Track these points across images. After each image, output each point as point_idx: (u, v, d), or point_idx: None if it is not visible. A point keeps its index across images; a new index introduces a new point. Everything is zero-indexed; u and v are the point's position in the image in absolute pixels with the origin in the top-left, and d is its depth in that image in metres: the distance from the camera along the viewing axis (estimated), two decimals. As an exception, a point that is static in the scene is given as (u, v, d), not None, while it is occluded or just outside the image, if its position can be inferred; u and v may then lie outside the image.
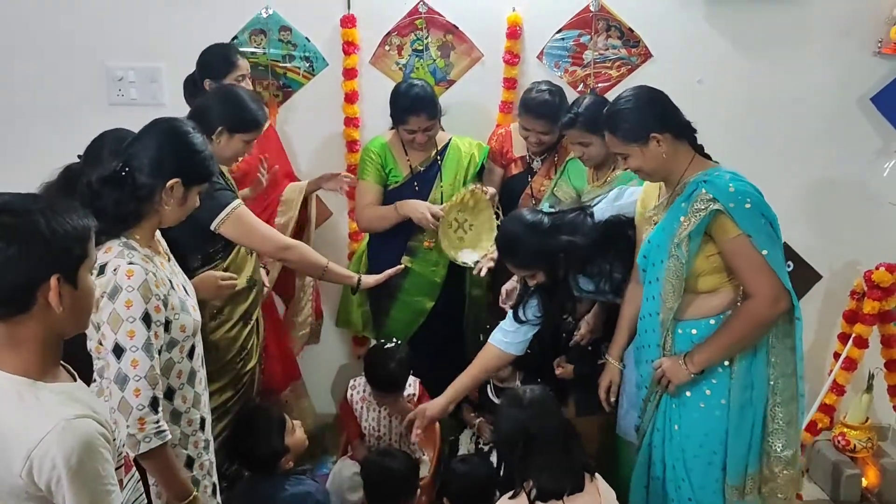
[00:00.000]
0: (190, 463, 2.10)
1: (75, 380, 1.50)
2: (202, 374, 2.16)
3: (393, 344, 2.98)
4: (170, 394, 2.03)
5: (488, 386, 3.07)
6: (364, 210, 3.15)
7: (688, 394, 2.30)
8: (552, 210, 2.69)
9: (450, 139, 3.19)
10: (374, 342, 3.28)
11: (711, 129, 3.37)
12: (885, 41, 3.26)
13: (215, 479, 2.23)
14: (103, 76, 3.40)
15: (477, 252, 3.08)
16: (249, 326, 2.79)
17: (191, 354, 2.07)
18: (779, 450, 2.28)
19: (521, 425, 2.19)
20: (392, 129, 3.12)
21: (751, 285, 2.18)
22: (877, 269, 3.09)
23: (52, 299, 1.38)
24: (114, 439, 1.46)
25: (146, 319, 1.89)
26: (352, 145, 3.44)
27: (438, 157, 3.14)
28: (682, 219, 2.20)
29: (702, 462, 2.32)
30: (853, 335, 3.16)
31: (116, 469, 1.46)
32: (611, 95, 3.37)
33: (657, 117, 2.25)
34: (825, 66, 3.36)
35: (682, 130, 2.28)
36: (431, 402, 2.80)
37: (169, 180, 1.96)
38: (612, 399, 2.61)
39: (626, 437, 2.65)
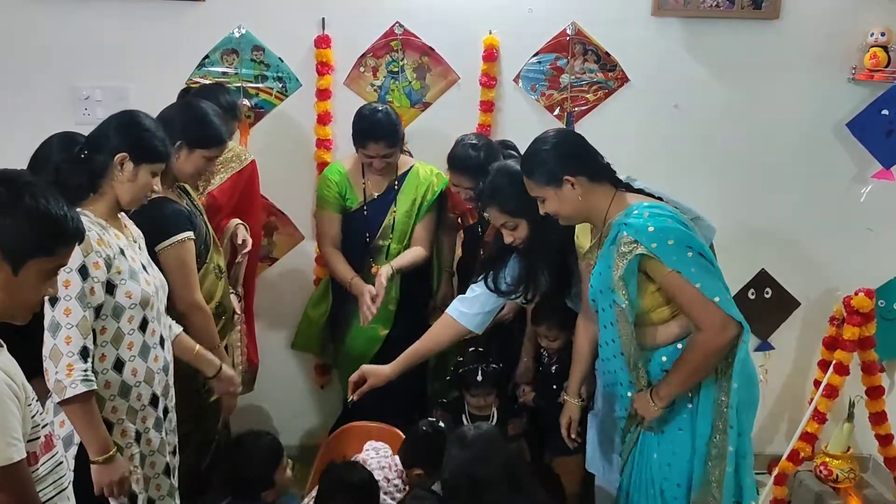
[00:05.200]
0: (137, 438, 2.14)
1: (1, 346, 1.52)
2: (161, 354, 2.20)
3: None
4: (119, 365, 2.08)
5: (463, 415, 2.97)
6: (325, 248, 3.15)
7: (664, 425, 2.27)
8: None
9: (411, 166, 3.14)
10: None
11: (687, 153, 3.43)
12: (858, 68, 3.28)
13: (169, 459, 2.25)
14: (69, 95, 3.30)
15: None
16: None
17: (143, 327, 2.12)
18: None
19: (464, 467, 2.10)
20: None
21: (694, 318, 2.15)
22: (856, 294, 3.05)
23: None
24: (28, 405, 1.49)
25: (82, 272, 1.96)
26: (323, 167, 3.36)
27: (396, 184, 3.08)
28: (611, 264, 2.16)
29: (671, 485, 2.29)
30: (834, 362, 3.10)
31: (31, 441, 1.49)
32: (587, 120, 3.40)
33: (571, 159, 2.21)
34: (801, 93, 3.37)
35: (599, 171, 2.24)
36: (377, 368, 2.69)
37: (117, 154, 2.07)
38: (573, 436, 2.55)
39: (596, 472, 2.61)
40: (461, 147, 2.90)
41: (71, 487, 1.66)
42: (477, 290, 2.65)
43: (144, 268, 2.17)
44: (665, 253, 2.08)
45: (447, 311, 2.70)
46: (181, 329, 2.40)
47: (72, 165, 2.08)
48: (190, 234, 2.46)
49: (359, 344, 3.15)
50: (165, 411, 2.24)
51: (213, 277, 2.66)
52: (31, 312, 1.53)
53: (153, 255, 2.42)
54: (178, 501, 2.31)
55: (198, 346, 2.42)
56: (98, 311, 2.02)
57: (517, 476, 2.12)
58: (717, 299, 2.10)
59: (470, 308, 2.65)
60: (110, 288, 2.04)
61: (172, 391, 2.29)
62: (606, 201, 2.22)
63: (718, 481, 2.21)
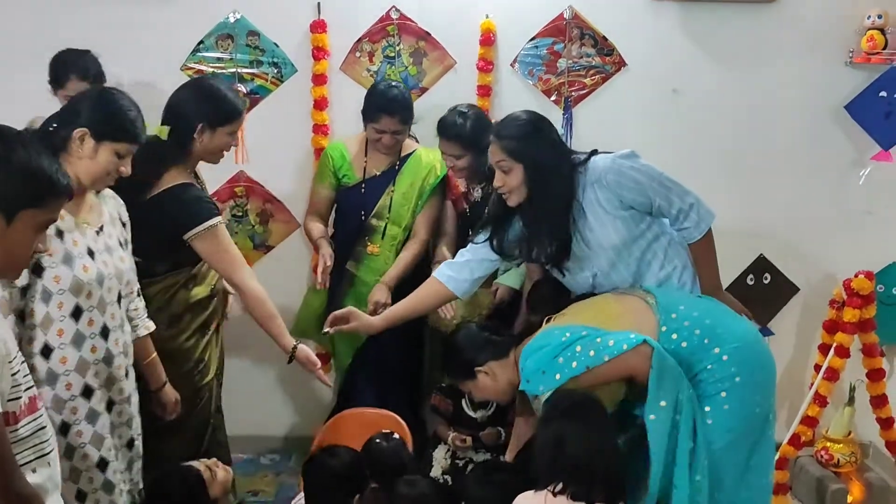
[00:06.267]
0: (65, 429, 2.07)
1: None
2: (103, 345, 2.12)
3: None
4: (47, 351, 2.02)
5: (463, 399, 2.94)
6: (307, 217, 3.19)
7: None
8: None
9: (414, 150, 3.13)
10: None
11: (685, 138, 3.41)
12: (856, 51, 3.28)
13: (104, 453, 2.16)
14: (62, 82, 3.27)
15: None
16: (207, 337, 2.68)
17: (76, 316, 2.05)
18: None
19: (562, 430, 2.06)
20: (361, 131, 3.06)
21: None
22: (856, 276, 3.04)
23: None
24: (9, 362, 1.48)
25: None
26: (319, 153, 3.34)
27: (398, 165, 3.07)
28: None
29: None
30: (834, 344, 3.09)
31: (11, 401, 1.49)
32: (585, 104, 3.39)
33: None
34: (799, 76, 3.36)
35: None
36: (365, 317, 2.66)
37: (77, 129, 2.02)
38: None
39: None
40: (450, 113, 2.94)
41: (55, 453, 1.63)
42: (467, 254, 2.62)
43: (91, 253, 2.08)
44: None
45: (434, 274, 2.67)
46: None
47: (39, 138, 1.97)
48: (218, 218, 2.47)
49: (342, 342, 3.10)
50: (111, 403, 2.18)
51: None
52: (22, 269, 1.55)
53: (182, 243, 2.44)
54: (121, 498, 2.22)
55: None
56: (25, 291, 1.97)
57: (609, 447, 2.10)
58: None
59: (459, 273, 2.61)
60: (38, 269, 1.97)
61: (127, 384, 2.22)
62: None
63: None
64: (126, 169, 2.13)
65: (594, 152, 2.47)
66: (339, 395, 3.33)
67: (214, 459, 2.37)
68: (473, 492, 2.32)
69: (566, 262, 2.48)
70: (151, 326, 2.38)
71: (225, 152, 2.62)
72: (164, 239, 2.45)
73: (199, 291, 2.62)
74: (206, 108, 2.49)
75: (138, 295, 2.35)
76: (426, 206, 3.13)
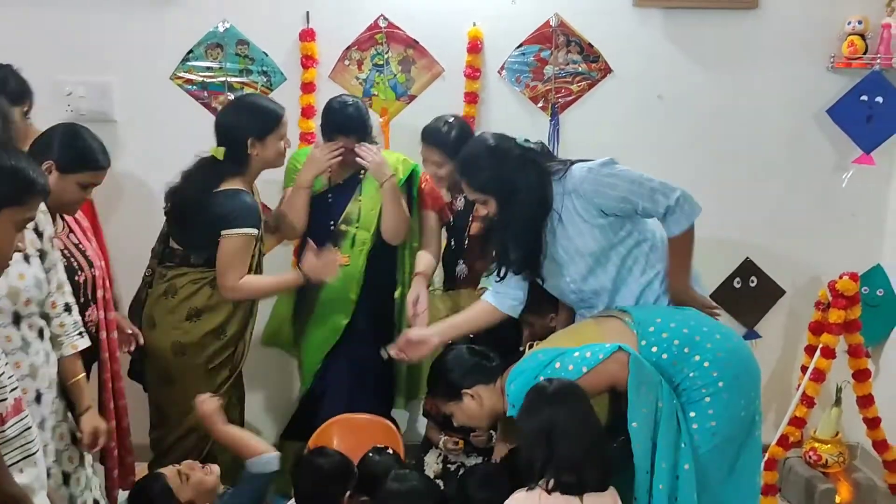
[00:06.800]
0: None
1: None
2: (44, 348, 2.12)
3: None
4: None
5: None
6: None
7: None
8: (530, 143, 2.54)
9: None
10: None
11: (671, 143, 3.45)
12: (837, 56, 3.33)
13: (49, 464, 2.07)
14: (52, 91, 3.25)
15: None
16: (222, 341, 2.81)
17: (16, 322, 2.02)
18: None
19: (547, 417, 2.07)
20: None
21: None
22: (841, 278, 3.08)
23: None
24: None
25: None
26: (306, 161, 3.35)
27: (361, 172, 3.05)
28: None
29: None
30: (820, 346, 3.12)
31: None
32: (572, 111, 3.42)
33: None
34: (782, 82, 3.41)
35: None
36: (426, 345, 2.65)
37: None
38: None
39: None
40: (435, 121, 2.96)
41: (41, 453, 1.64)
42: (500, 287, 2.65)
43: (27, 259, 2.06)
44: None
45: (481, 298, 2.71)
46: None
47: None
48: (254, 231, 2.71)
49: (320, 333, 3.07)
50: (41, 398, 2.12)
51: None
52: (4, 266, 1.62)
53: (219, 240, 2.66)
54: None
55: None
56: None
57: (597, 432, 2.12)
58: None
59: (504, 291, 2.64)
60: None
61: (37, 409, 2.10)
62: None
63: None
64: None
65: (573, 162, 2.49)
66: (300, 403, 3.30)
67: (190, 462, 2.36)
68: (476, 494, 2.32)
69: (539, 270, 2.53)
70: (80, 345, 2.27)
71: (282, 155, 2.82)
72: (205, 232, 2.69)
73: (221, 295, 2.75)
74: (251, 121, 2.72)
75: (67, 310, 2.25)
76: None
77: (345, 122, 2.93)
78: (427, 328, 2.74)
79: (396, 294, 3.17)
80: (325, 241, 3.02)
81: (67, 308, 2.25)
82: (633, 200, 2.41)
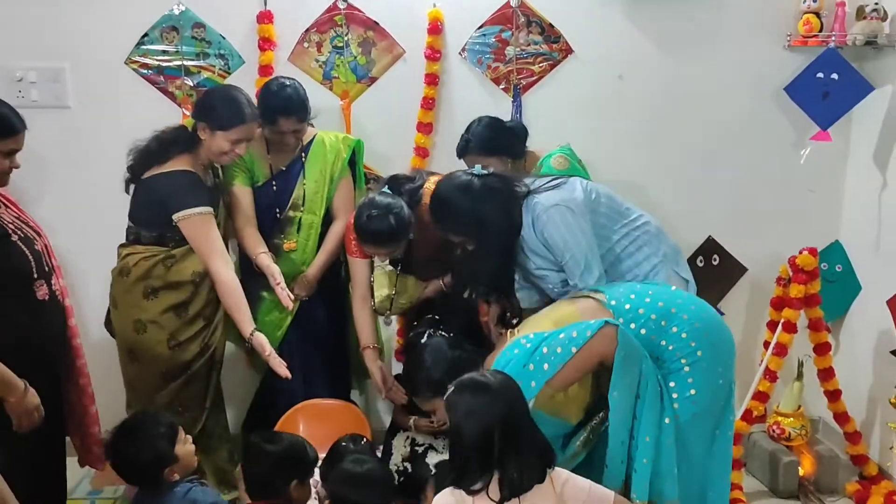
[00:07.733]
0: None
1: None
2: None
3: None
4: None
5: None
6: (237, 223, 3.01)
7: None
8: (485, 172, 2.59)
9: (315, 135, 3.08)
10: None
11: (632, 123, 3.46)
12: (793, 34, 3.37)
13: None
14: (2, 76, 3.18)
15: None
16: (184, 319, 2.79)
17: None
18: None
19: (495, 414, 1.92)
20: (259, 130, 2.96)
21: None
22: (800, 253, 3.12)
23: None
24: None
25: None
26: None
27: (303, 154, 3.04)
28: None
29: None
30: (782, 320, 3.16)
31: None
32: (533, 92, 3.41)
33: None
34: (740, 61, 3.43)
35: None
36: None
37: None
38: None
39: None
40: (367, 219, 2.73)
41: None
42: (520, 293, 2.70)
43: None
44: None
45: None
46: None
47: None
48: (207, 209, 2.71)
49: (265, 330, 2.94)
50: None
51: None
52: None
53: (169, 221, 2.70)
54: None
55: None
56: None
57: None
58: None
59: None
60: None
61: None
62: None
63: None
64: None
65: (537, 189, 2.56)
66: (257, 392, 3.30)
67: (190, 437, 2.34)
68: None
69: (509, 291, 2.65)
70: None
71: (227, 158, 2.79)
72: (152, 213, 2.75)
73: (178, 273, 2.76)
74: (211, 109, 2.74)
75: None
76: (339, 187, 3.09)
77: (285, 105, 2.89)
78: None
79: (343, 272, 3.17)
80: (270, 229, 3.00)
81: None
82: (559, 257, 2.52)
